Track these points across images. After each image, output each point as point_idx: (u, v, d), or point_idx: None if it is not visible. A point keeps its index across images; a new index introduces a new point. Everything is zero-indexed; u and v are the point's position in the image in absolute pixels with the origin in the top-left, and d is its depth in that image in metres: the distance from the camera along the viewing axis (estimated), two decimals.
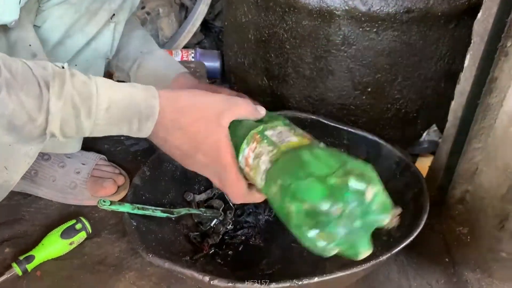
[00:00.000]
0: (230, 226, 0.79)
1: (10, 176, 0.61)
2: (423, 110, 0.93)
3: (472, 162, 0.76)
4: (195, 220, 0.79)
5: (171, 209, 0.73)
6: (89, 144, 0.94)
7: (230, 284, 0.56)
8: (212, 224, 0.79)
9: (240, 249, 0.77)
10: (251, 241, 0.78)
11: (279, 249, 0.77)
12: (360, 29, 0.82)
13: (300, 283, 0.55)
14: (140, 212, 0.68)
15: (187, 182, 0.82)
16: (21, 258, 0.73)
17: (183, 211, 0.75)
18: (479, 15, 0.69)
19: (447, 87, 0.90)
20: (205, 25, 1.40)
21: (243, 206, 0.82)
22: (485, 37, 0.69)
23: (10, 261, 0.73)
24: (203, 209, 0.79)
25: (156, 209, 0.70)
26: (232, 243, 0.78)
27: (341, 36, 0.83)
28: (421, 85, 0.89)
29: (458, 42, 0.85)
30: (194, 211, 0.77)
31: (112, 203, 0.65)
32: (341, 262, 0.71)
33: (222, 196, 0.82)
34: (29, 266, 0.72)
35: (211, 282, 0.57)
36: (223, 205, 0.81)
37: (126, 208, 0.67)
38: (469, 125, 0.74)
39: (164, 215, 0.72)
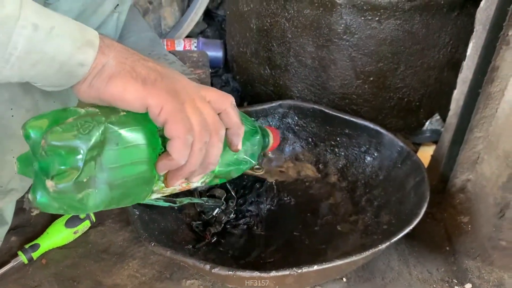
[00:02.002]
0: (232, 215, 0.80)
1: None
2: (425, 99, 0.93)
3: (473, 151, 0.76)
4: (198, 209, 0.80)
5: (174, 199, 0.74)
6: None
7: (230, 272, 0.57)
8: (214, 213, 0.79)
9: (242, 238, 0.78)
10: (253, 230, 0.79)
11: (280, 238, 0.77)
12: (362, 18, 0.82)
13: (299, 271, 0.56)
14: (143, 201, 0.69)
15: None
16: (26, 246, 0.74)
17: (186, 200, 0.76)
18: (482, 3, 0.69)
19: (449, 76, 0.90)
20: (208, 14, 1.40)
21: (245, 195, 0.83)
22: (488, 25, 0.69)
23: (16, 250, 0.75)
24: (205, 198, 0.79)
25: (158, 199, 0.71)
26: (234, 232, 0.78)
27: (343, 25, 0.83)
28: (424, 74, 0.89)
29: (461, 30, 0.85)
30: (196, 200, 0.78)
31: None
32: (342, 250, 0.73)
33: (224, 186, 0.83)
34: (35, 254, 0.74)
35: (212, 270, 0.57)
36: (225, 194, 0.81)
37: None
38: (471, 114, 0.74)
39: (167, 204, 0.72)
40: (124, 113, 0.46)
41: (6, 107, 0.61)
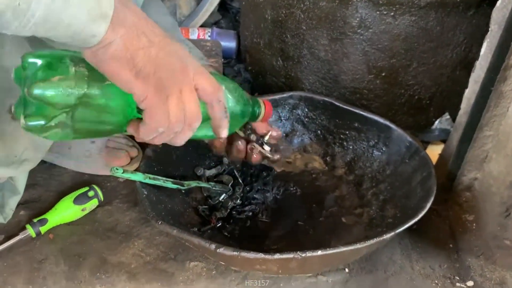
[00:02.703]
0: (238, 201, 0.80)
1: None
2: (436, 98, 0.93)
3: (482, 149, 0.76)
4: (204, 194, 0.81)
5: (182, 181, 0.75)
6: None
7: (235, 253, 0.58)
8: (220, 199, 0.80)
9: (247, 224, 0.78)
10: (258, 217, 0.80)
11: (285, 226, 0.78)
12: (377, 12, 0.82)
13: (303, 255, 0.57)
14: (151, 181, 0.70)
15: (198, 157, 0.84)
16: (35, 220, 0.75)
17: (193, 183, 0.77)
18: (498, 3, 0.69)
19: (462, 76, 0.90)
20: (223, 6, 1.41)
21: (252, 183, 0.83)
22: (503, 25, 0.69)
23: (24, 223, 0.76)
24: (212, 183, 0.80)
25: (167, 180, 0.72)
26: (239, 218, 0.79)
27: (358, 19, 0.83)
28: (436, 72, 0.89)
29: (476, 30, 0.85)
30: (203, 184, 0.79)
31: (124, 171, 0.67)
32: (345, 241, 0.73)
33: (231, 172, 0.84)
34: (42, 229, 0.75)
35: (217, 250, 0.58)
36: (232, 181, 0.82)
37: (138, 177, 0.68)
38: (481, 112, 0.74)
39: (175, 186, 0.73)
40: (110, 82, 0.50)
41: None
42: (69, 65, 0.49)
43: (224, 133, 0.59)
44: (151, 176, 0.70)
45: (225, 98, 0.58)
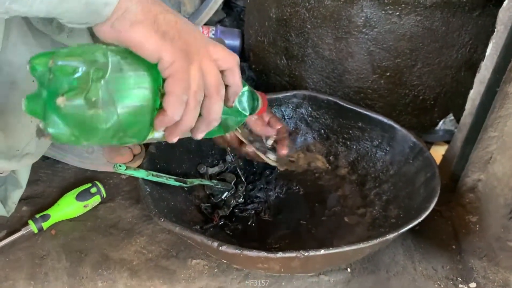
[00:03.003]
0: (241, 199, 0.80)
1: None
2: (441, 98, 0.92)
3: (486, 150, 0.75)
4: (207, 192, 0.81)
5: (184, 179, 0.75)
6: None
7: (237, 251, 0.57)
8: (223, 197, 0.80)
9: (249, 223, 0.78)
10: (261, 216, 0.80)
11: (287, 225, 0.78)
12: (383, 12, 0.82)
13: (306, 254, 0.56)
14: (154, 179, 0.69)
15: (201, 155, 0.84)
16: (37, 216, 0.75)
17: (196, 181, 0.77)
18: (505, 3, 0.68)
19: (466, 76, 0.89)
20: (227, 4, 1.40)
21: (254, 181, 0.83)
22: (510, 25, 0.69)
23: (26, 219, 0.76)
24: (215, 181, 0.80)
25: (170, 177, 0.72)
26: (242, 217, 0.79)
27: (363, 18, 0.83)
28: (441, 72, 0.89)
29: (481, 31, 0.85)
30: (206, 182, 0.79)
31: (127, 167, 0.67)
32: (348, 241, 0.73)
33: (234, 170, 0.84)
34: (45, 225, 0.75)
35: (220, 248, 0.58)
36: (235, 179, 0.82)
37: (140, 173, 0.68)
38: (486, 114, 0.74)
39: (177, 183, 0.73)
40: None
41: (27, 71, 0.62)
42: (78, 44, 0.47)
43: (235, 100, 0.58)
44: (154, 173, 0.70)
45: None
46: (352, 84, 0.91)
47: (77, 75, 0.44)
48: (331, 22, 0.86)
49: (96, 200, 0.80)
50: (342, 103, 0.85)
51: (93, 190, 0.79)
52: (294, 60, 0.95)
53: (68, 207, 0.77)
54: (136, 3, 0.45)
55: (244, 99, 0.64)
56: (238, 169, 0.83)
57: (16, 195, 0.75)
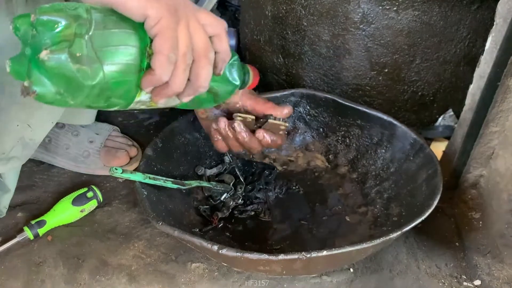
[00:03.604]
0: (240, 200, 0.79)
1: (34, 134, 0.62)
2: (440, 94, 0.91)
3: (488, 146, 0.74)
4: (206, 194, 0.80)
5: (182, 181, 0.74)
6: (103, 117, 0.95)
7: (238, 254, 0.56)
8: (222, 198, 0.79)
9: (249, 224, 0.77)
10: (261, 217, 0.78)
11: (288, 226, 0.77)
12: (380, 7, 0.81)
13: (308, 255, 0.55)
14: (151, 181, 0.68)
15: (198, 156, 0.83)
16: (33, 222, 0.74)
17: (194, 183, 0.75)
18: None
19: (465, 71, 0.88)
20: (222, 3, 1.39)
21: (254, 182, 0.82)
22: (509, 18, 0.68)
23: (22, 225, 0.75)
24: (213, 183, 0.79)
25: (167, 180, 0.70)
26: (241, 218, 0.78)
27: (360, 14, 0.82)
28: (439, 67, 0.88)
29: (480, 24, 0.84)
30: (204, 184, 0.78)
31: (123, 171, 0.65)
32: (350, 241, 0.72)
33: (233, 171, 0.82)
34: (41, 231, 0.73)
35: (220, 251, 0.57)
36: (234, 180, 0.81)
37: (137, 177, 0.67)
38: (487, 108, 0.73)
39: (175, 186, 0.72)
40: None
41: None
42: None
43: (224, 68, 0.57)
44: (151, 176, 0.68)
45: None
46: (350, 81, 0.90)
47: (60, 29, 0.44)
48: (327, 19, 0.85)
49: (92, 204, 0.78)
50: (340, 101, 0.84)
51: (90, 194, 0.78)
52: (291, 58, 0.94)
53: (64, 213, 0.76)
54: None
55: (234, 69, 0.63)
56: (236, 170, 0.82)
57: (5, 199, 0.73)
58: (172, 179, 0.71)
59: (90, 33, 0.45)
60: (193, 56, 0.50)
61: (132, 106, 0.53)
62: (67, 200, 0.77)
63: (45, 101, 0.45)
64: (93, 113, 0.88)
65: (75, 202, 0.77)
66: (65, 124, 0.86)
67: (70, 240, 0.75)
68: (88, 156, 0.86)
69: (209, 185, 0.78)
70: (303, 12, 0.87)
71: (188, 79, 0.51)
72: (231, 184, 0.80)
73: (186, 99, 0.54)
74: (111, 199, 0.83)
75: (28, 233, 0.72)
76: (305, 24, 0.88)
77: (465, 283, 0.70)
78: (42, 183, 0.85)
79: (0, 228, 0.76)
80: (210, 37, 0.52)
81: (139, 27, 0.48)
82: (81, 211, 0.77)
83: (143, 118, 1.02)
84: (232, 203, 0.78)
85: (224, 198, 0.79)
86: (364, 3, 0.81)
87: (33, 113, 0.62)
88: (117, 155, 0.87)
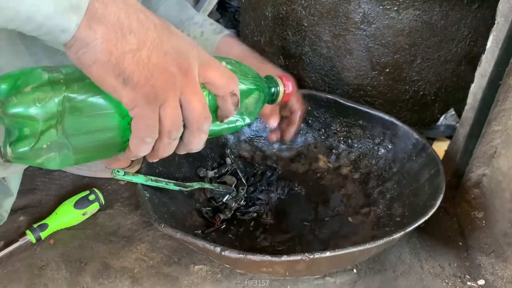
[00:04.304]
0: (242, 202, 0.79)
1: None
2: (441, 93, 0.91)
3: (490, 145, 0.74)
4: (208, 196, 0.79)
5: (184, 183, 0.73)
6: None
7: (241, 255, 0.56)
8: (224, 200, 0.78)
9: (251, 225, 0.77)
10: (263, 218, 0.78)
11: (290, 227, 0.77)
12: (381, 7, 0.80)
13: (311, 257, 0.55)
14: (153, 184, 0.68)
15: (200, 158, 0.82)
16: (35, 226, 0.73)
17: (196, 185, 0.75)
18: None
19: (466, 70, 0.88)
20: (222, 4, 1.39)
21: (256, 183, 0.82)
22: (510, 17, 0.67)
23: (24, 229, 0.74)
24: (215, 185, 0.79)
25: (169, 182, 0.70)
26: (243, 220, 0.78)
27: (360, 14, 0.82)
28: (440, 67, 0.87)
29: (481, 23, 0.84)
30: (207, 185, 0.77)
31: (125, 173, 0.65)
32: (352, 241, 0.72)
33: (234, 173, 0.82)
34: (43, 234, 0.73)
35: (222, 253, 0.56)
36: (236, 182, 0.80)
37: (139, 179, 0.67)
38: (489, 107, 0.73)
39: (177, 188, 0.72)
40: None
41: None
42: (41, 73, 0.43)
43: (227, 120, 0.54)
44: (153, 178, 0.68)
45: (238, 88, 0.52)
46: (351, 82, 0.90)
47: (26, 127, 0.41)
48: (328, 19, 0.85)
49: (94, 207, 0.78)
50: (341, 101, 0.84)
51: (92, 197, 0.78)
52: (292, 59, 0.94)
53: (66, 216, 0.76)
54: (102, 37, 0.39)
55: (251, 104, 0.57)
56: (238, 171, 0.82)
57: (7, 203, 0.73)
58: (174, 181, 0.71)
59: (63, 123, 0.42)
60: (186, 125, 0.47)
61: None
62: (69, 203, 0.76)
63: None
64: None
65: (77, 205, 0.76)
66: None
67: (72, 243, 0.74)
68: None
69: (210, 187, 0.78)
70: (304, 12, 0.87)
71: (181, 138, 0.49)
72: (233, 185, 0.80)
73: (181, 153, 0.52)
74: (113, 201, 0.83)
75: (30, 237, 0.72)
76: (305, 24, 0.88)
77: (469, 283, 0.70)
78: (43, 186, 0.85)
79: (2, 232, 0.75)
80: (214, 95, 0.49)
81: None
82: (83, 214, 0.77)
83: None
84: (234, 205, 0.78)
85: (226, 199, 0.79)
86: (365, 3, 0.81)
87: None
88: (118, 157, 0.86)
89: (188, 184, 0.74)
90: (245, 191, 0.80)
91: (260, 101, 0.59)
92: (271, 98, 0.62)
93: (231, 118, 0.54)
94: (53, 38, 0.39)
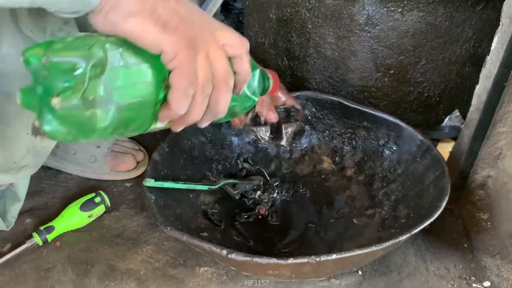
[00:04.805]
0: (275, 194, 0.81)
1: (45, 142, 0.62)
2: (446, 95, 0.91)
3: (495, 146, 0.74)
4: (236, 197, 0.80)
5: (212, 181, 0.78)
6: None
7: (247, 258, 0.56)
8: (257, 196, 0.80)
9: (256, 227, 0.77)
10: (268, 220, 0.78)
11: (295, 228, 0.77)
12: (385, 9, 0.80)
13: (318, 259, 0.55)
14: (183, 186, 0.72)
15: (205, 160, 0.83)
16: (41, 228, 0.74)
17: (223, 182, 0.78)
18: None
19: (471, 72, 0.88)
20: (225, 7, 1.39)
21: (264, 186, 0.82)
22: None
23: (31, 231, 0.75)
24: (238, 180, 0.81)
25: (197, 183, 0.75)
26: (248, 222, 0.78)
27: (365, 16, 0.82)
28: (445, 68, 0.87)
29: (485, 25, 0.83)
30: (232, 181, 0.80)
31: (156, 180, 0.69)
32: (358, 243, 0.72)
33: (260, 172, 0.84)
34: (49, 236, 0.74)
35: (229, 255, 0.57)
36: (262, 180, 0.82)
37: (168, 184, 0.70)
38: (494, 109, 0.73)
39: (206, 187, 0.76)
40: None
41: (22, 82, 0.60)
42: (74, 34, 0.44)
43: (243, 88, 0.55)
44: (181, 181, 0.72)
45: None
46: (356, 83, 0.90)
47: (73, 73, 0.41)
48: (332, 21, 0.85)
49: (100, 209, 0.79)
50: (346, 103, 0.84)
51: (97, 199, 0.78)
52: (296, 61, 0.94)
53: (73, 218, 0.76)
54: None
55: (255, 82, 0.60)
56: (263, 170, 0.84)
57: (15, 209, 0.73)
58: (200, 183, 0.76)
59: (105, 74, 0.42)
60: (213, 83, 0.48)
61: (147, 132, 0.52)
62: (75, 205, 0.77)
63: (55, 139, 0.44)
64: None
65: (83, 207, 0.77)
66: None
67: (78, 246, 0.75)
68: (95, 161, 0.86)
69: (237, 182, 0.80)
70: (308, 14, 0.87)
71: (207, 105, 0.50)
72: (261, 183, 0.81)
73: (204, 125, 0.53)
74: (118, 204, 0.83)
75: (37, 239, 0.73)
76: (310, 26, 0.88)
77: (474, 285, 0.70)
78: (50, 188, 0.86)
79: (9, 234, 0.76)
80: (230, 57, 0.50)
81: (155, 58, 0.45)
82: (89, 216, 0.77)
83: None
84: (270, 197, 0.80)
85: (259, 195, 0.80)
86: (369, 5, 0.81)
87: None
88: (124, 159, 0.87)
89: (216, 182, 0.78)
90: (279, 182, 0.83)
91: (261, 82, 0.62)
92: (265, 89, 0.66)
93: (242, 92, 0.56)
94: (82, 7, 0.40)
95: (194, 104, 0.47)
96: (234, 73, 0.52)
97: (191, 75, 0.45)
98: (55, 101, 0.41)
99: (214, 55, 0.47)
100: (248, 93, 0.60)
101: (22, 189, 0.72)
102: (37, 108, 0.43)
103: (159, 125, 0.51)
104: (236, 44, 0.50)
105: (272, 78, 0.67)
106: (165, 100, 0.48)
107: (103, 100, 0.42)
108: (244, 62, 0.51)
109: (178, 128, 0.51)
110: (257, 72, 0.61)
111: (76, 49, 0.41)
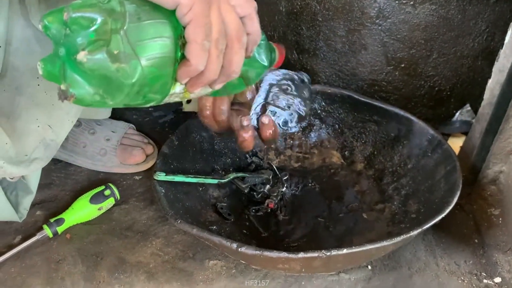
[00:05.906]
0: (284, 188, 0.81)
1: (56, 135, 0.62)
2: (457, 89, 0.90)
3: (508, 141, 0.73)
4: (245, 191, 0.80)
5: (221, 175, 0.78)
6: (118, 115, 0.95)
7: (257, 252, 0.56)
8: (266, 190, 0.80)
9: (265, 221, 0.77)
10: (277, 214, 0.78)
11: (305, 223, 0.77)
12: (396, 2, 0.80)
13: (328, 253, 0.55)
14: (193, 180, 0.72)
15: (214, 153, 0.83)
16: (51, 220, 0.74)
17: (232, 175, 0.78)
18: None
19: (483, 66, 0.87)
20: None
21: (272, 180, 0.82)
22: None
23: (41, 223, 0.75)
24: (248, 174, 0.80)
25: (207, 177, 0.75)
26: (257, 216, 0.78)
27: (376, 9, 0.81)
28: (457, 62, 0.86)
29: (499, 17, 0.82)
30: (242, 174, 0.79)
31: (166, 174, 0.69)
32: (368, 238, 0.72)
33: (269, 166, 0.84)
34: (59, 229, 0.74)
35: (239, 249, 0.57)
36: (272, 174, 0.82)
37: (179, 177, 0.71)
38: (507, 103, 0.72)
39: (215, 181, 0.75)
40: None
41: (32, 75, 0.61)
42: None
43: (254, 50, 0.54)
44: (191, 175, 0.72)
45: None
46: (366, 77, 0.89)
47: (95, 27, 0.41)
48: (343, 14, 0.84)
49: (110, 202, 0.79)
50: (356, 97, 0.83)
51: (107, 192, 0.78)
52: (306, 54, 0.94)
53: (82, 211, 0.76)
54: None
55: (262, 49, 0.60)
56: (272, 164, 0.84)
57: (27, 201, 0.74)
58: (210, 176, 0.76)
59: (125, 28, 0.42)
60: (226, 41, 0.48)
61: (166, 100, 0.51)
62: (85, 198, 0.77)
63: (84, 103, 0.43)
64: (109, 108, 0.88)
65: (93, 200, 0.77)
66: (81, 123, 0.87)
67: (88, 238, 0.75)
68: (105, 154, 0.87)
69: (247, 175, 0.80)
70: (318, 7, 0.86)
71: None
72: (270, 176, 0.81)
73: (218, 86, 0.52)
74: (128, 197, 0.83)
75: (47, 231, 0.73)
76: (320, 19, 0.87)
77: (485, 281, 0.69)
78: (59, 181, 0.86)
79: (20, 226, 0.76)
80: (240, 18, 0.49)
81: (171, 15, 0.45)
82: (99, 209, 0.78)
83: (158, 116, 1.02)
84: (279, 191, 0.80)
85: (268, 189, 0.80)
86: None
87: (52, 114, 0.62)
88: (133, 152, 0.87)
89: (226, 175, 0.77)
90: (288, 176, 0.83)
91: (268, 49, 0.61)
92: (271, 59, 0.64)
93: (253, 57, 0.56)
94: None
95: (210, 60, 0.47)
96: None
97: (206, 28, 0.45)
98: (81, 55, 0.41)
99: (226, 11, 0.47)
100: (258, 59, 0.59)
101: (33, 182, 0.73)
102: (60, 75, 0.42)
103: (178, 89, 0.50)
104: (245, 3, 0.50)
105: (277, 50, 0.65)
106: (182, 59, 0.47)
107: (127, 54, 0.42)
108: (255, 22, 0.51)
109: (195, 89, 0.50)
110: (263, 37, 0.60)
111: (96, 4, 0.42)
